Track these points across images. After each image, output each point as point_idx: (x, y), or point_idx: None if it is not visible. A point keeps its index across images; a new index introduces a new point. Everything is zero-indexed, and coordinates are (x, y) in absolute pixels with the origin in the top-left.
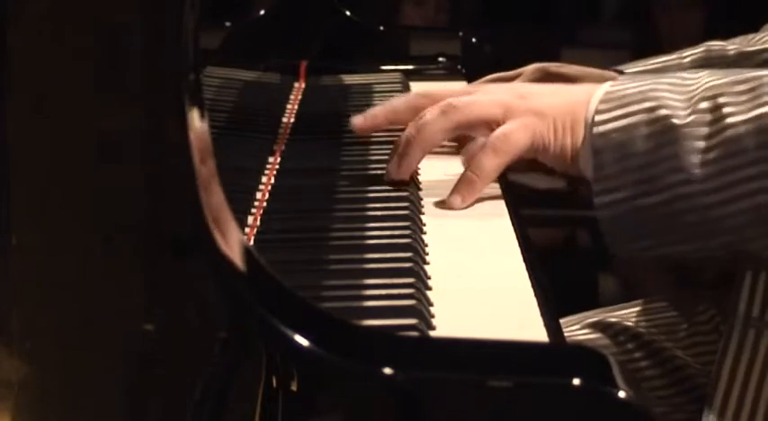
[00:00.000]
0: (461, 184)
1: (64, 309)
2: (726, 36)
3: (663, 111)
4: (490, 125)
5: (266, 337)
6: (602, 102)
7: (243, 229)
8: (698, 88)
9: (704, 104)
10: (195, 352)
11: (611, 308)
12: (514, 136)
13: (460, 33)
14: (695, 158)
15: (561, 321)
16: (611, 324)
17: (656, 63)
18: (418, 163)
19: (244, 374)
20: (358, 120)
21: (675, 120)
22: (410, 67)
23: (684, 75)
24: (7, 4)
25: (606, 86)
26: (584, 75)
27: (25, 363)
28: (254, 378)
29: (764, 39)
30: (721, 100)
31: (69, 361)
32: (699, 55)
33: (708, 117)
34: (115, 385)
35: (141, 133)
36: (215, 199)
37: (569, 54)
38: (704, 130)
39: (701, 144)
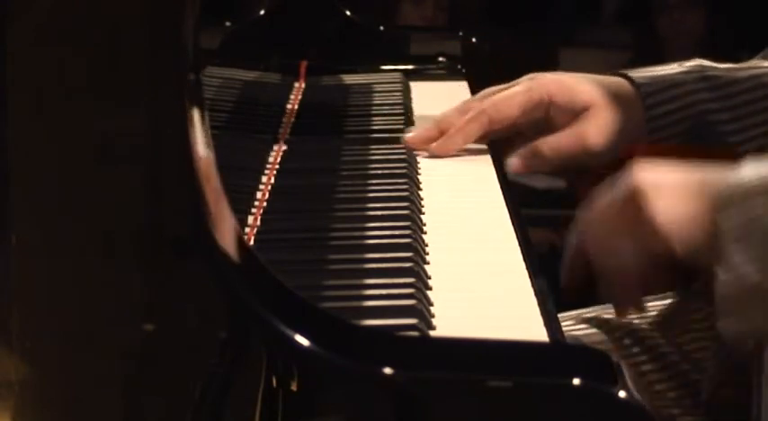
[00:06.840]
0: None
1: (64, 308)
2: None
3: None
4: None
5: (266, 337)
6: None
7: (243, 229)
8: None
9: None
10: (195, 352)
11: (607, 305)
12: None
13: (460, 33)
14: None
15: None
16: (607, 320)
17: (659, 70)
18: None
19: (244, 374)
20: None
21: None
22: (410, 66)
23: None
24: (7, 4)
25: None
26: (580, 81)
27: (25, 363)
28: (254, 378)
29: (752, 64)
30: None
31: (69, 361)
32: (694, 67)
33: None
34: (115, 385)
35: (141, 133)
36: (215, 199)
37: (569, 54)
38: None
39: None
